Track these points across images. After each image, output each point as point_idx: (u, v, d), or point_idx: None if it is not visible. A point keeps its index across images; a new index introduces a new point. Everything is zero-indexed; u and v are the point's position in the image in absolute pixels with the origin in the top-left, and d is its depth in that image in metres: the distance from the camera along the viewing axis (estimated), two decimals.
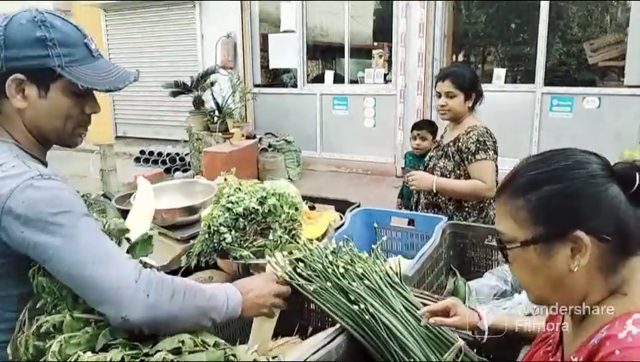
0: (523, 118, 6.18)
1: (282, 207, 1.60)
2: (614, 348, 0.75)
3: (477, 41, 8.08)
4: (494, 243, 2.09)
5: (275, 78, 8.91)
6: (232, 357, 1.10)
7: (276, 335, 1.69)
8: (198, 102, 7.70)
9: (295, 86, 8.17)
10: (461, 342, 1.38)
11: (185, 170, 7.88)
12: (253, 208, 1.57)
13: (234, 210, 1.57)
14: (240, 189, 1.65)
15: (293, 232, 1.60)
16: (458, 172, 2.57)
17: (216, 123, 7.41)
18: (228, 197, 1.62)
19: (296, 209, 1.63)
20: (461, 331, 1.46)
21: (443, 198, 2.62)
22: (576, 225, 0.82)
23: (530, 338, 1.30)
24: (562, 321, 0.98)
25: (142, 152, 8.88)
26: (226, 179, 1.83)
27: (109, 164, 5.56)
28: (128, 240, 1.32)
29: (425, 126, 3.61)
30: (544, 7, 6.13)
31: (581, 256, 0.82)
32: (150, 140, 9.83)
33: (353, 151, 7.58)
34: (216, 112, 7.59)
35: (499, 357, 1.41)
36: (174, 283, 1.09)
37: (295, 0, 7.78)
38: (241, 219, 1.57)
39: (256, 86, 8.39)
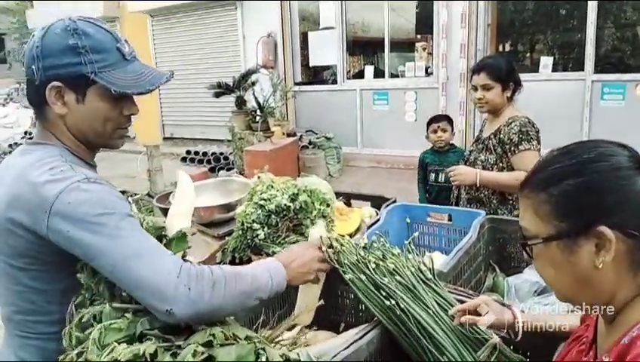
0: (572, 107, 5.93)
1: (314, 203, 1.61)
2: None
3: (524, 30, 7.79)
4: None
5: (315, 75, 8.94)
6: (261, 351, 1.12)
7: (309, 326, 1.71)
8: (240, 102, 7.84)
9: (335, 82, 8.17)
10: (496, 339, 1.35)
11: (229, 169, 8.05)
12: (285, 205, 1.59)
13: (266, 207, 1.60)
14: (272, 186, 1.67)
15: (326, 228, 1.61)
16: (501, 165, 2.51)
17: (258, 122, 7.52)
18: (261, 194, 1.65)
19: (328, 205, 1.64)
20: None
21: (486, 192, 2.56)
22: (599, 220, 0.78)
23: (567, 336, 1.26)
24: (597, 320, 0.94)
25: (188, 152, 9.15)
26: (259, 177, 1.86)
27: (155, 164, 5.76)
28: (165, 237, 1.37)
29: (443, 118, 3.55)
30: None
31: (606, 252, 0.79)
32: (196, 140, 10.11)
33: (394, 146, 7.50)
34: (258, 111, 7.70)
35: (535, 354, 1.37)
36: (214, 274, 1.11)
37: None
38: (273, 216, 1.60)
39: (296, 84, 8.44)
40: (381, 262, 1.47)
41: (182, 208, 1.64)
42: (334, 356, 1.28)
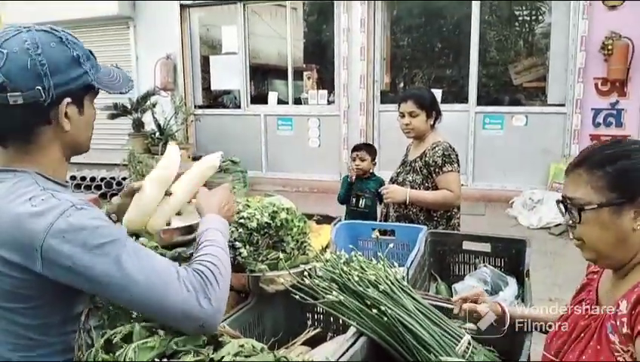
0: (459, 135, 6.64)
1: (292, 220, 1.68)
2: None
3: (414, 63, 8.54)
4: (471, 248, 2.29)
5: (216, 99, 8.88)
6: (283, 359, 1.17)
7: (280, 345, 1.75)
8: (138, 125, 7.52)
9: (238, 107, 8.20)
10: (468, 336, 1.53)
11: None
12: (266, 223, 1.64)
13: (247, 226, 1.63)
14: (249, 206, 1.71)
15: (305, 244, 1.68)
16: (426, 184, 2.77)
17: (158, 145, 7.26)
18: (239, 213, 1.68)
19: (305, 222, 1.72)
20: (467, 326, 1.62)
21: (414, 210, 2.80)
22: None
23: (530, 327, 1.48)
24: (598, 285, 1.22)
25: (72, 178, 8.45)
26: (234, 187, 1.88)
27: None
28: None
29: (364, 147, 3.75)
30: (475, 32, 6.68)
31: None
32: (82, 165, 9.39)
33: (298, 171, 7.71)
34: (158, 134, 7.44)
35: (500, 346, 1.57)
36: (212, 271, 1.13)
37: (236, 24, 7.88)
38: (254, 234, 1.64)
39: (198, 107, 8.32)
40: (363, 274, 1.59)
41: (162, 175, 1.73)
42: (340, 356, 1.36)
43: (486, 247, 2.22)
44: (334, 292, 1.51)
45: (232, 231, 1.64)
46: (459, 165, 2.76)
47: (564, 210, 1.16)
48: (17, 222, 1.01)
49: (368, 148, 3.72)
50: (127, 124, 7.70)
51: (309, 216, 2.41)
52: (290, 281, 1.55)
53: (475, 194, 6.73)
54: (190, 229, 2.05)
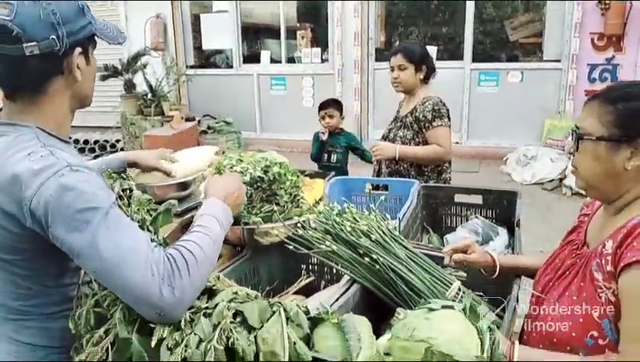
0: (454, 92, 6.60)
1: (285, 174, 1.69)
2: None
3: (410, 21, 8.39)
4: (463, 200, 2.32)
5: (207, 59, 8.74)
6: (277, 305, 1.20)
7: (275, 293, 1.80)
8: (130, 86, 7.42)
9: (231, 67, 8.08)
10: (458, 282, 1.58)
11: None
12: (259, 177, 1.65)
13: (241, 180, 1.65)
14: (242, 160, 1.72)
15: (298, 198, 1.71)
16: (417, 140, 2.77)
17: (151, 106, 7.20)
18: (232, 167, 1.69)
19: (297, 176, 1.73)
20: (458, 273, 1.67)
21: (405, 165, 2.82)
22: None
23: (526, 273, 1.53)
24: (587, 228, 1.26)
25: None
26: (224, 152, 1.89)
27: None
28: (150, 212, 1.37)
29: (331, 104, 3.76)
30: None
31: (637, 159, 1.08)
32: (76, 128, 9.31)
33: (293, 131, 7.68)
34: (150, 95, 7.36)
35: (490, 290, 1.62)
36: (186, 259, 1.07)
37: None
38: (248, 188, 1.65)
39: (189, 67, 8.19)
40: (355, 225, 1.62)
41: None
42: (331, 305, 1.40)
43: (477, 199, 2.25)
44: (327, 242, 1.55)
45: None
46: (449, 120, 2.74)
47: (571, 137, 1.19)
48: (14, 178, 1.02)
49: (336, 105, 3.74)
50: (119, 86, 7.59)
51: (302, 172, 2.44)
52: (284, 233, 1.58)
53: (470, 151, 6.75)
54: (185, 186, 2.08)
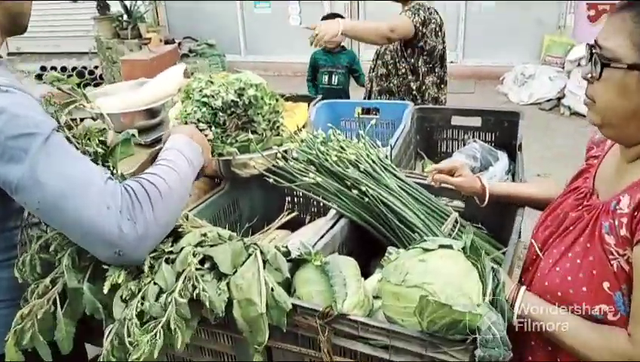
0: (449, 9, 6.20)
1: (262, 98, 1.49)
2: None
3: None
4: (460, 123, 2.14)
5: None
6: (253, 246, 1.06)
7: (256, 230, 1.67)
8: (103, 7, 6.89)
9: None
10: (455, 214, 1.44)
11: (97, 85, 7.23)
12: (233, 101, 1.45)
13: (211, 104, 1.45)
14: (212, 82, 1.51)
15: (277, 124, 1.52)
16: (405, 52, 2.52)
17: (127, 29, 6.73)
18: (201, 91, 1.48)
19: (277, 100, 1.54)
20: (454, 203, 1.52)
21: (395, 82, 2.60)
22: None
23: (523, 202, 1.38)
24: (596, 173, 1.03)
25: (43, 68, 7.97)
26: (192, 73, 1.67)
27: None
28: (103, 143, 1.18)
29: (333, 17, 3.45)
30: None
31: None
32: (50, 55, 8.82)
33: (280, 52, 7.28)
34: (125, 17, 6.86)
35: (490, 222, 1.50)
36: (149, 193, 0.94)
37: None
38: (220, 114, 1.46)
39: None
40: (342, 154, 1.45)
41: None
42: (314, 245, 1.27)
43: (476, 122, 2.08)
44: (311, 174, 1.39)
45: (195, 111, 1.46)
46: (420, 17, 2.41)
47: (588, 58, 0.91)
48: None
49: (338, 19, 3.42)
50: (91, 8, 7.05)
51: (283, 95, 2.23)
52: (263, 164, 1.42)
53: (466, 71, 6.46)
54: (153, 113, 1.87)
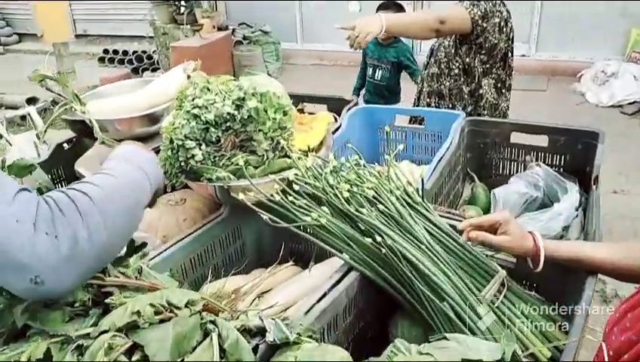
0: None
1: (266, 111, 1.21)
2: None
3: None
4: (521, 141, 1.76)
5: None
6: (209, 326, 0.79)
7: (270, 263, 1.41)
8: None
9: None
10: (503, 273, 1.10)
11: (154, 70, 7.25)
12: (229, 114, 1.18)
13: (203, 117, 1.19)
14: (209, 89, 1.25)
15: (282, 144, 1.23)
16: (461, 50, 2.14)
17: (183, 14, 6.65)
18: (193, 100, 1.22)
19: (285, 113, 1.25)
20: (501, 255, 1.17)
21: (447, 83, 2.21)
22: None
23: (596, 269, 1.02)
24: None
25: (105, 51, 8.11)
26: (189, 76, 1.42)
27: (65, 66, 4.96)
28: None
29: (391, 6, 3.09)
30: None
31: None
32: (114, 38, 8.98)
33: (338, 41, 6.91)
34: (182, 1, 6.78)
35: (548, 289, 1.14)
36: (77, 202, 0.72)
37: None
38: (212, 129, 1.20)
39: None
40: (356, 188, 1.14)
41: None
42: (307, 311, 0.98)
43: (542, 141, 1.69)
44: (314, 214, 1.09)
45: (182, 126, 1.20)
46: (479, 10, 2.00)
47: None
48: None
49: (397, 7, 3.07)
50: None
51: (313, 99, 1.93)
52: (254, 197, 1.14)
53: (537, 66, 5.85)
54: (154, 119, 1.64)
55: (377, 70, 3.24)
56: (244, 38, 6.60)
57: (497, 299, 1.06)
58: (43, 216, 0.67)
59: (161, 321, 0.77)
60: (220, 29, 6.35)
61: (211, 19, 6.33)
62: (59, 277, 0.67)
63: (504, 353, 0.68)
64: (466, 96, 2.19)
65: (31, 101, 4.99)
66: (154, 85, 1.62)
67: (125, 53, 7.90)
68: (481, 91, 2.16)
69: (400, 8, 3.17)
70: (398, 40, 3.23)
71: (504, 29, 2.10)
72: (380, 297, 1.14)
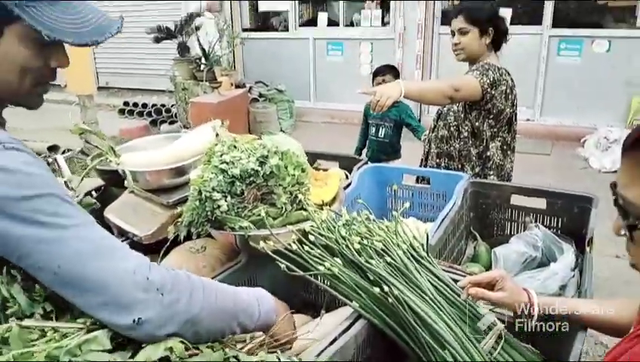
0: (529, 62, 5.88)
1: (286, 168, 1.34)
2: None
3: None
4: (521, 203, 1.87)
5: (264, 21, 8.39)
6: (232, 359, 0.89)
7: None
8: (183, 49, 7.22)
9: (286, 30, 7.70)
10: (500, 326, 1.18)
11: (172, 122, 7.54)
12: (253, 169, 1.32)
13: (229, 172, 1.32)
14: (235, 147, 1.39)
15: (300, 197, 1.35)
16: (470, 115, 2.30)
17: (203, 71, 6.99)
18: (221, 156, 1.36)
19: (303, 170, 1.38)
20: (500, 311, 1.26)
21: (456, 145, 2.36)
22: None
23: (588, 325, 1.11)
24: None
25: (126, 104, 8.48)
26: (217, 134, 1.56)
27: (89, 117, 5.20)
28: None
29: (387, 70, 3.40)
30: None
31: None
32: (135, 91, 9.40)
33: (348, 101, 7.23)
34: (203, 59, 7.14)
35: (543, 343, 1.22)
36: (191, 279, 0.91)
37: None
38: (237, 183, 1.32)
39: (244, 30, 7.90)
40: (366, 241, 1.25)
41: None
42: (319, 354, 1.07)
43: (540, 203, 1.80)
44: (327, 263, 1.20)
45: (211, 179, 1.34)
46: (488, 78, 2.18)
47: (613, 202, 0.74)
48: None
49: (392, 71, 3.38)
50: (174, 49, 7.45)
51: (317, 158, 2.07)
52: (274, 245, 1.25)
53: (542, 130, 6.04)
54: (181, 171, 1.77)
55: (380, 128, 3.42)
56: (260, 95, 6.90)
57: (495, 350, 1.14)
58: (159, 275, 0.85)
59: (190, 356, 0.87)
60: (237, 86, 6.66)
61: (229, 77, 6.65)
62: (155, 325, 0.83)
63: None
64: (474, 158, 2.33)
65: (52, 149, 5.22)
66: (182, 141, 1.77)
67: (145, 105, 8.25)
68: (488, 153, 2.31)
69: (395, 72, 3.41)
70: (397, 100, 3.43)
71: (509, 96, 2.27)
72: (387, 345, 1.22)
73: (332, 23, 7.49)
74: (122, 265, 0.83)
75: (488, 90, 2.19)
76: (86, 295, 0.81)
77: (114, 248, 0.85)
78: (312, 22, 7.70)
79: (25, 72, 0.88)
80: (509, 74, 2.30)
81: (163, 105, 7.99)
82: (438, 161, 2.45)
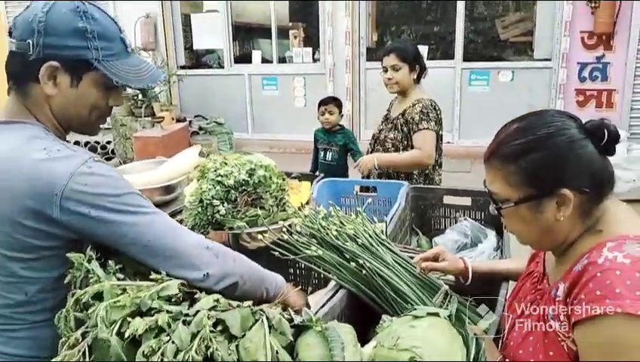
0: (445, 92, 6.60)
1: (271, 178, 1.67)
2: (596, 271, 0.91)
3: (400, 20, 8.41)
4: (452, 202, 2.30)
5: (198, 59, 8.68)
6: (260, 313, 1.18)
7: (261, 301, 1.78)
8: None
9: (222, 67, 8.03)
10: (446, 287, 1.56)
11: (108, 159, 7.54)
12: (244, 180, 1.63)
13: (225, 183, 1.62)
14: (226, 163, 1.69)
15: (283, 201, 1.68)
16: (406, 142, 2.75)
17: (141, 107, 7.13)
18: (215, 171, 1.66)
19: (283, 179, 1.71)
20: (446, 277, 1.64)
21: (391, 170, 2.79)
22: (561, 185, 0.97)
23: (504, 277, 1.51)
24: (544, 257, 1.17)
25: None
26: (208, 154, 1.86)
27: None
28: None
29: (331, 101, 3.81)
30: None
31: (566, 208, 0.98)
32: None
33: (285, 131, 7.64)
34: (140, 96, 7.29)
35: (478, 294, 1.60)
36: (230, 250, 1.23)
37: None
38: (232, 191, 1.63)
39: (180, 67, 8.13)
40: (341, 229, 1.59)
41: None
42: (316, 312, 1.38)
43: (466, 201, 2.24)
44: (313, 247, 1.52)
45: (209, 189, 1.63)
46: (437, 124, 2.70)
47: (491, 204, 1.10)
48: (36, 169, 1.04)
49: (335, 102, 3.76)
50: None
51: (289, 174, 2.41)
52: (269, 238, 1.56)
53: (462, 151, 6.74)
54: (169, 189, 2.04)
55: (327, 152, 3.75)
56: (200, 128, 7.12)
57: (444, 304, 1.51)
58: (216, 246, 1.19)
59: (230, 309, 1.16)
60: (178, 120, 6.85)
61: (170, 112, 6.84)
62: (217, 278, 1.16)
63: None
64: (414, 176, 2.77)
65: None
66: (169, 164, 2.04)
67: (77, 143, 8.17)
68: (427, 171, 2.76)
69: (337, 102, 3.82)
70: (342, 126, 3.85)
71: (440, 122, 2.75)
72: (362, 307, 1.55)
73: (265, 60, 7.94)
74: (190, 238, 1.14)
75: (437, 129, 2.68)
76: (168, 260, 1.10)
77: (180, 227, 1.16)
78: (246, 58, 8.10)
79: (93, 108, 1.18)
80: (436, 103, 2.78)
81: (97, 143, 7.96)
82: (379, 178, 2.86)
